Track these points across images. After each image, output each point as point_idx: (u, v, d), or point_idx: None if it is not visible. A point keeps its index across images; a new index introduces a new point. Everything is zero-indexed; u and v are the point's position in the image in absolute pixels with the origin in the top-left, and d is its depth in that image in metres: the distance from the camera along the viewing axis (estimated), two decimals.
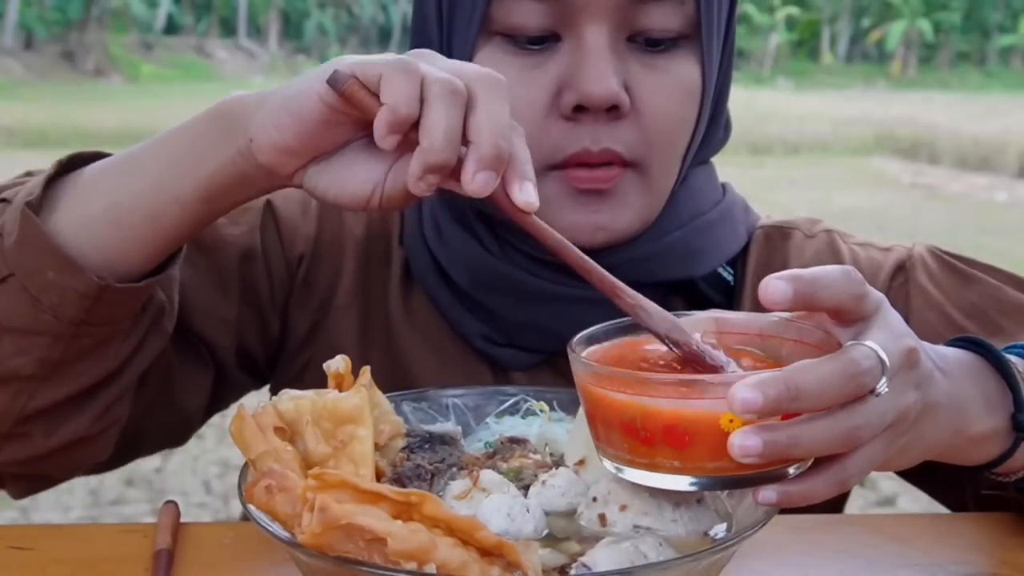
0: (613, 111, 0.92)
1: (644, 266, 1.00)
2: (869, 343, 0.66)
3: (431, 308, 1.06)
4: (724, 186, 1.11)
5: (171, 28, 45.96)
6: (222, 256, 1.03)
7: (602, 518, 0.71)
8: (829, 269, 0.68)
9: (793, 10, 52.03)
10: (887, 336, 0.68)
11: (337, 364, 0.77)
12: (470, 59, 0.94)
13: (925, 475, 0.73)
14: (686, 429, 0.64)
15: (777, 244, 1.09)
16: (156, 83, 31.95)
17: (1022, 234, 9.94)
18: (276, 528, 0.65)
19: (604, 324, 0.74)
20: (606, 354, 0.73)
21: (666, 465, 0.66)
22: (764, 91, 34.38)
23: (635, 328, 0.73)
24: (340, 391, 0.75)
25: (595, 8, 0.91)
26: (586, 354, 0.71)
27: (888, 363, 0.66)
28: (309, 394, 0.74)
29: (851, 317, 0.69)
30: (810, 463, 0.67)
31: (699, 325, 0.73)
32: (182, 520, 0.89)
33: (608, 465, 0.70)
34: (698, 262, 1.03)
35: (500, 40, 0.94)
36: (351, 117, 0.75)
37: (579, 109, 0.92)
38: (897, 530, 0.91)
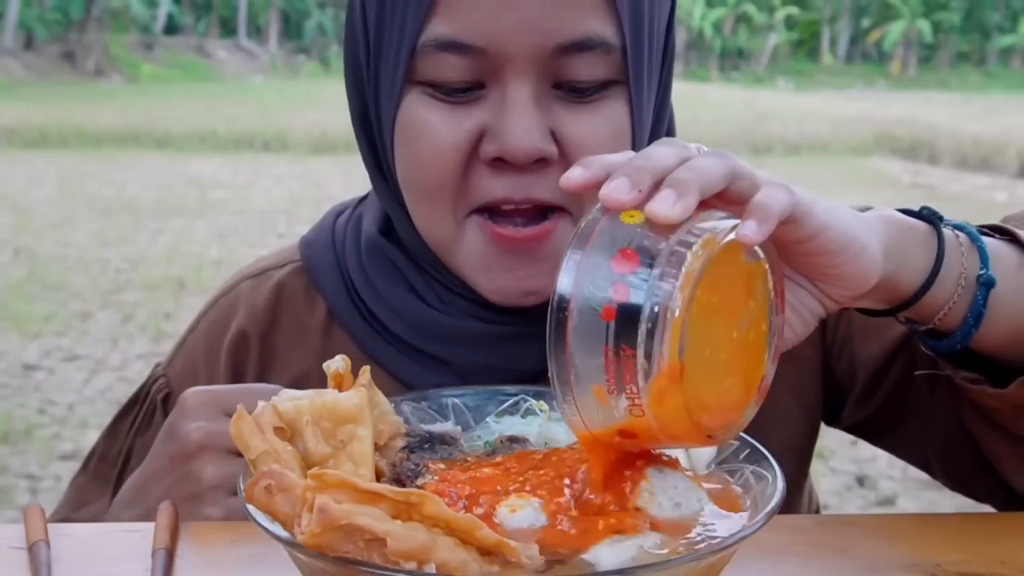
0: (540, 162, 0.91)
1: None
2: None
3: (358, 354, 1.03)
4: None
5: (171, 28, 45.98)
6: None
7: None
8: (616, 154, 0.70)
9: (793, 10, 52.04)
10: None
11: (337, 364, 0.77)
12: (396, 107, 0.94)
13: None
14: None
15: None
16: (156, 83, 31.95)
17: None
18: (276, 528, 0.65)
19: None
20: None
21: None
22: (764, 91, 34.38)
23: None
24: (340, 391, 0.75)
25: (518, 62, 0.90)
26: None
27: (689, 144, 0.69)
28: (309, 394, 0.74)
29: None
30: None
31: None
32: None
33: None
34: None
35: (424, 87, 0.93)
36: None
37: (500, 159, 0.91)
38: (897, 530, 0.91)
